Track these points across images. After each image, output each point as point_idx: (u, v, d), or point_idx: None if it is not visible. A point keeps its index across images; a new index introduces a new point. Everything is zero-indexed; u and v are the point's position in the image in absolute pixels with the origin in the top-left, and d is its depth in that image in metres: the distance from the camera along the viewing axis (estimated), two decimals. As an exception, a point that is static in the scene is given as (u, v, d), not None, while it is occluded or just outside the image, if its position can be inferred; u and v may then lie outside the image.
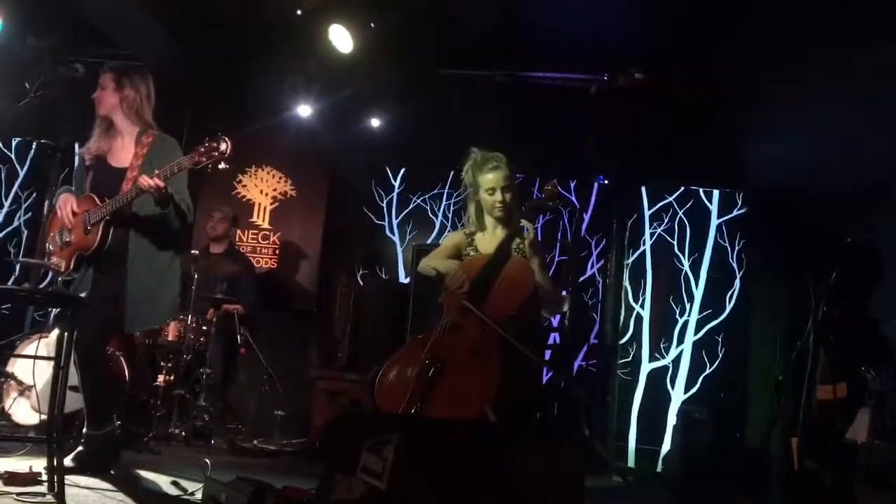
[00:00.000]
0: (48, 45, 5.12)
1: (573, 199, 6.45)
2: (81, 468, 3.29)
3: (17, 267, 6.47)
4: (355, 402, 5.37)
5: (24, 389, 4.62)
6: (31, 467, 3.07)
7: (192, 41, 5.61)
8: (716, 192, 6.42)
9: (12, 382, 4.62)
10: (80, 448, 3.41)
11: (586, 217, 6.49)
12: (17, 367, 4.62)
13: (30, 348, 4.75)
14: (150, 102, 3.69)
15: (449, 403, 2.95)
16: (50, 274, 6.35)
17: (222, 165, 3.30)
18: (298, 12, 4.91)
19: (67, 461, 3.19)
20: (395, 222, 6.85)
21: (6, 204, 6.90)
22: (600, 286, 6.37)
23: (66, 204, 3.51)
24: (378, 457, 2.38)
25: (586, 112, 5.23)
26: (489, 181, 3.43)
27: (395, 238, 6.82)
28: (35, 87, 3.68)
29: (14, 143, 6.98)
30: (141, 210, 3.50)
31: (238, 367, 5.75)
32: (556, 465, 2.63)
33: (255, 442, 5.24)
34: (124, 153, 3.57)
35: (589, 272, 6.41)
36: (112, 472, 3.42)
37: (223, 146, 3.24)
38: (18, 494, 2.79)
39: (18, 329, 5.40)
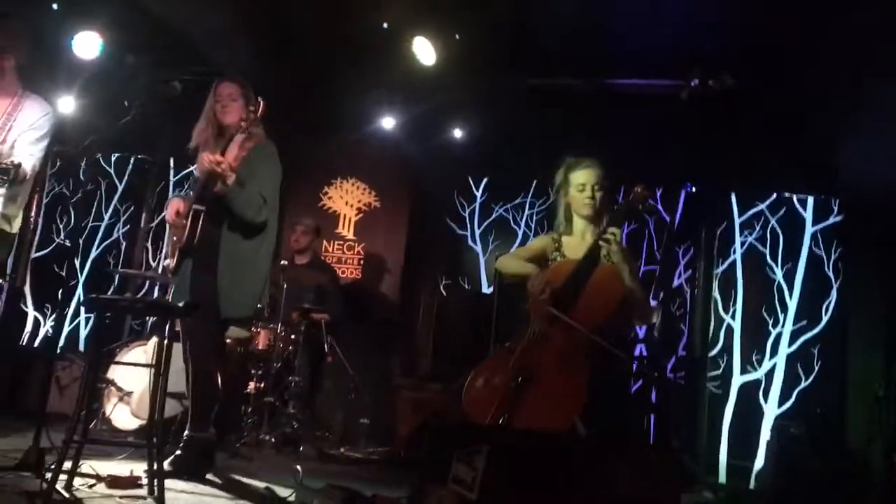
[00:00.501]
0: (146, 63, 5.34)
1: (659, 206, 6.31)
2: (179, 472, 3.39)
3: (117, 277, 6.77)
4: (439, 411, 5.38)
5: (123, 395, 4.81)
6: (132, 471, 3.18)
7: (280, 56, 5.76)
8: (810, 200, 6.19)
9: (112, 389, 4.82)
10: (178, 452, 3.52)
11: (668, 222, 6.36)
12: (117, 373, 4.81)
13: (129, 356, 4.95)
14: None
15: (537, 414, 2.92)
16: (147, 283, 6.67)
17: (256, 127, 3.70)
18: (385, 25, 4.97)
19: (166, 465, 3.29)
20: (477, 232, 6.85)
21: (106, 217, 7.22)
22: (688, 297, 6.21)
23: (173, 206, 3.73)
24: (469, 467, 2.38)
25: (674, 118, 5.12)
26: (581, 177, 3.41)
27: (478, 248, 6.82)
28: (134, 105, 3.83)
29: (113, 159, 7.31)
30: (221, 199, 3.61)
31: (325, 375, 5.84)
32: (650, 477, 2.57)
33: (342, 449, 5.30)
34: (227, 157, 3.68)
35: (676, 282, 6.26)
36: (208, 476, 3.52)
37: (259, 107, 3.62)
38: (121, 497, 2.89)
39: (117, 337, 5.64)
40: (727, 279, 6.21)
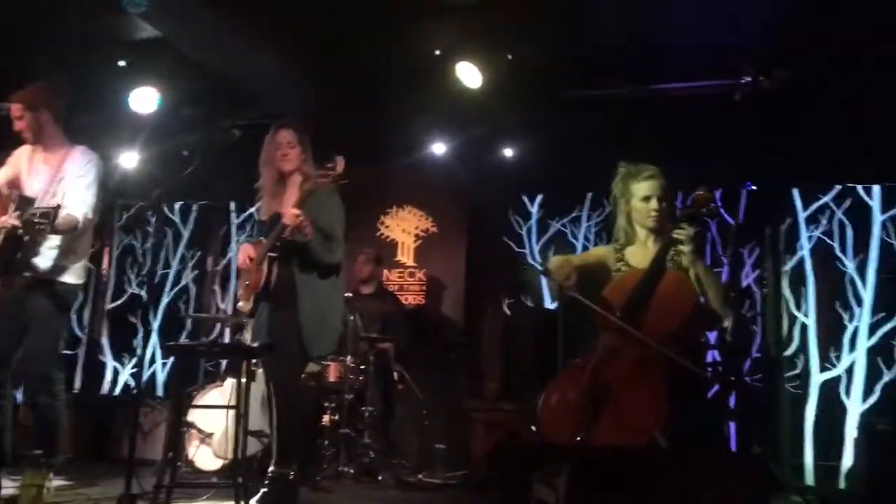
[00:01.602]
0: (202, 113, 5.51)
1: (720, 207, 6.20)
2: None
3: (189, 322, 6.95)
4: (513, 431, 5.36)
5: (204, 437, 4.92)
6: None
7: (330, 87, 5.88)
8: (876, 188, 6.01)
9: (193, 431, 4.93)
10: (263, 490, 3.58)
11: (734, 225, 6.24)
12: (196, 416, 4.93)
13: (206, 398, 5.07)
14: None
15: (616, 430, 2.88)
16: (218, 326, 6.83)
17: (342, 181, 3.72)
18: (437, 52, 5.04)
19: (253, 502, 3.35)
20: (535, 249, 6.84)
21: (174, 264, 7.44)
22: (758, 297, 6.08)
23: (244, 251, 3.85)
24: (551, 488, 2.37)
25: (728, 118, 5.05)
26: (644, 189, 3.36)
27: (538, 264, 6.81)
28: (195, 155, 3.96)
29: (177, 207, 7.53)
30: (299, 247, 3.72)
31: (396, 403, 5.88)
32: (735, 486, 2.52)
33: (420, 476, 5.32)
34: (290, 201, 3.80)
35: (744, 283, 6.13)
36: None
37: (337, 164, 3.60)
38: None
39: (192, 380, 5.78)
40: (797, 276, 6.06)
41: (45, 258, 3.79)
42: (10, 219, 3.63)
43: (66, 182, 3.82)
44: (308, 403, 4.46)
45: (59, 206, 3.59)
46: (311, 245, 3.66)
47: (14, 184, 3.91)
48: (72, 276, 3.88)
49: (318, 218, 3.71)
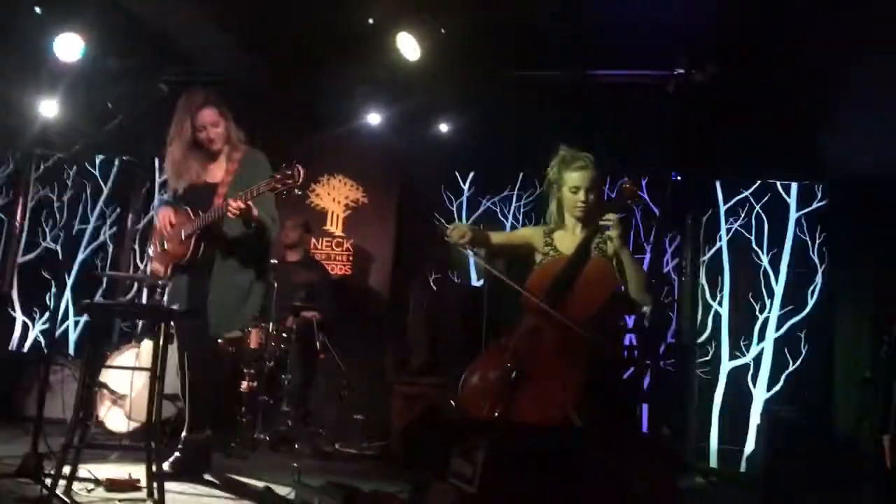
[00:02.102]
0: (129, 66, 5.31)
1: (646, 197, 6.34)
2: (178, 473, 3.41)
3: (105, 280, 6.75)
4: (433, 406, 5.41)
5: (116, 399, 4.81)
6: (129, 474, 3.20)
7: (264, 54, 5.75)
8: (794, 185, 6.25)
9: (105, 392, 4.81)
10: (176, 454, 3.53)
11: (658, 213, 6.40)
12: (110, 377, 4.80)
13: (120, 359, 4.95)
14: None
15: (533, 407, 2.95)
16: (135, 286, 6.65)
17: (297, 191, 3.56)
18: (370, 21, 4.97)
19: (165, 466, 3.30)
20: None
21: (92, 220, 7.19)
22: (676, 285, 6.27)
23: (165, 215, 3.74)
24: (468, 462, 2.41)
25: (656, 108, 5.16)
26: (574, 179, 3.44)
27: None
28: (121, 109, 3.82)
29: (97, 161, 7.27)
30: (229, 230, 3.67)
31: (317, 372, 5.85)
32: (648, 466, 2.61)
33: (337, 446, 5.32)
34: (217, 170, 3.76)
35: (664, 270, 6.31)
36: (206, 477, 3.53)
37: (297, 174, 3.41)
38: (120, 500, 2.91)
39: (108, 341, 5.62)
40: (714, 266, 6.27)
41: None
42: None
43: None
44: (222, 370, 4.40)
45: None
46: (252, 235, 3.65)
47: None
48: None
49: (242, 184, 3.61)
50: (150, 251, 3.96)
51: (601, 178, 3.55)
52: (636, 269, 3.38)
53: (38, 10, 5.22)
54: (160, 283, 3.90)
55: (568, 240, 3.47)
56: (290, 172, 3.41)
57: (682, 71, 4.20)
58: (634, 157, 5.78)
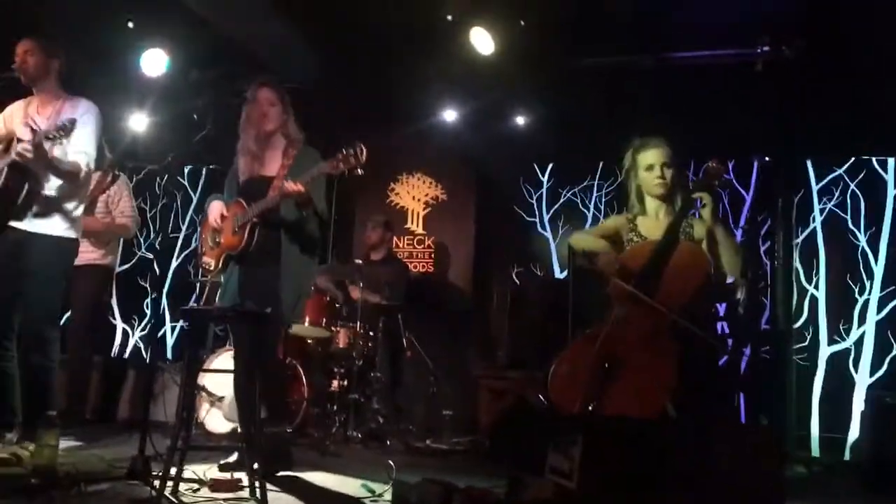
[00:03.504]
0: (212, 76, 5.46)
1: (732, 178, 6.17)
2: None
3: (198, 286, 6.97)
4: (520, 400, 5.39)
5: (214, 401, 4.97)
6: (232, 474, 3.29)
7: (339, 54, 5.83)
8: (891, 161, 5.96)
9: (204, 394, 4.97)
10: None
11: (748, 198, 6.21)
12: (207, 380, 4.96)
13: (216, 362, 5.10)
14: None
15: (627, 400, 2.90)
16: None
17: (359, 171, 3.43)
18: (449, 17, 4.98)
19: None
20: (546, 218, 6.82)
21: (183, 228, 7.45)
22: (768, 269, 6.07)
23: (216, 209, 3.75)
24: (565, 456, 2.39)
25: (742, 88, 4.99)
26: (648, 157, 3.41)
27: (548, 234, 6.79)
28: (207, 119, 3.92)
29: (186, 171, 7.52)
30: (287, 215, 3.66)
31: (404, 369, 5.92)
32: (744, 456, 2.54)
33: (427, 442, 5.37)
34: (273, 163, 3.73)
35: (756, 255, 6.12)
36: (304, 474, 3.59)
37: (359, 153, 3.37)
38: (225, 500, 2.99)
39: (202, 344, 5.80)
40: (808, 249, 6.04)
41: (42, 210, 3.73)
42: (15, 148, 3.55)
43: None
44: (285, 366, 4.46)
45: (74, 120, 3.53)
46: (307, 221, 3.64)
47: (7, 142, 3.81)
48: (69, 231, 3.80)
49: (297, 177, 3.57)
50: (202, 246, 3.89)
51: (679, 156, 3.47)
52: (731, 244, 3.29)
53: (130, 24, 5.42)
54: (209, 277, 3.90)
55: (652, 224, 3.41)
56: (352, 151, 3.37)
57: (767, 48, 4.04)
58: (721, 140, 5.62)
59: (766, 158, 5.86)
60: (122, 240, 5.44)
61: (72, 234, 3.82)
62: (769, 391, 5.73)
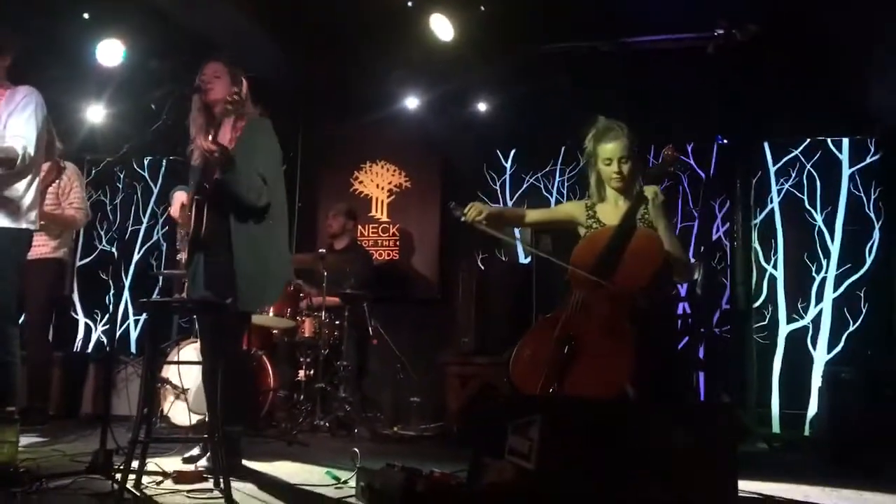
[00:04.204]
0: (169, 67, 5.40)
1: (691, 162, 6.24)
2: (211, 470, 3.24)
3: (160, 279, 6.91)
4: (487, 385, 5.43)
5: (178, 393, 4.94)
6: (196, 466, 3.28)
7: (299, 43, 5.79)
8: (845, 141, 6.08)
9: (168, 387, 4.94)
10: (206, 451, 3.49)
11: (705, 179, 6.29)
12: (172, 372, 4.93)
13: (181, 354, 5.07)
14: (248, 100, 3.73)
15: (586, 382, 2.94)
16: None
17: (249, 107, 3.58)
18: (409, 4, 4.96)
19: (202, 462, 3.35)
20: (509, 203, 6.84)
21: (145, 220, 7.36)
22: (728, 249, 6.16)
23: (177, 200, 3.62)
24: (524, 438, 2.42)
25: (699, 72, 5.07)
26: (606, 151, 3.43)
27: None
28: (165, 110, 3.85)
29: (146, 163, 7.43)
30: (230, 184, 3.45)
31: (370, 357, 5.93)
32: (703, 433, 2.59)
33: (395, 429, 5.39)
34: (223, 139, 3.56)
35: (715, 236, 6.21)
36: (274, 463, 3.59)
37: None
38: (188, 492, 2.98)
39: (166, 337, 5.76)
40: (766, 229, 6.14)
41: None
42: None
43: (3, 119, 3.55)
44: (249, 361, 4.31)
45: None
46: (227, 180, 3.40)
47: None
48: (17, 221, 3.60)
49: (247, 153, 3.46)
50: (178, 244, 3.73)
51: (638, 145, 3.51)
52: (673, 247, 3.32)
53: (86, 15, 5.32)
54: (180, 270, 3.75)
55: (611, 212, 3.46)
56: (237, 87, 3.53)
57: (721, 31, 4.10)
58: (678, 124, 5.69)
59: (724, 141, 5.95)
60: (74, 232, 5.34)
61: (20, 224, 3.62)
62: (730, 370, 5.85)
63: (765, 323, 6.04)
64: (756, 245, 6.12)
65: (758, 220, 6.15)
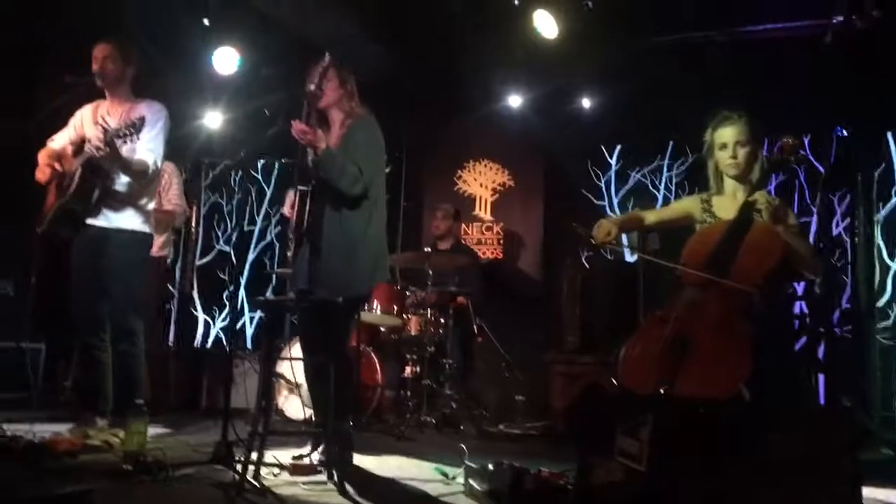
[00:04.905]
0: (282, 72, 5.59)
1: (809, 155, 5.97)
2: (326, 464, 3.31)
3: (274, 277, 7.18)
4: (593, 384, 5.37)
5: (292, 387, 5.11)
6: (311, 458, 3.39)
7: (404, 49, 5.89)
8: (976, 129, 5.70)
9: (282, 382, 5.13)
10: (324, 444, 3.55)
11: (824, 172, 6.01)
12: (285, 367, 5.11)
13: (293, 350, 5.24)
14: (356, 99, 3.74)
15: (700, 382, 2.85)
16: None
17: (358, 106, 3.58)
18: (516, 2, 4.97)
19: (315, 456, 3.43)
20: (615, 200, 6.75)
21: (259, 221, 7.66)
22: (849, 246, 5.87)
23: (290, 199, 3.60)
24: (634, 439, 2.39)
25: (817, 61, 4.85)
26: (723, 136, 3.32)
27: (617, 217, 6.71)
28: (279, 114, 4.00)
29: (259, 166, 7.72)
30: (324, 173, 3.43)
31: (475, 355, 5.97)
32: (820, 438, 2.49)
33: (501, 426, 5.40)
34: (331, 139, 3.57)
35: (835, 232, 5.93)
36: (382, 457, 3.66)
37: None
38: (304, 483, 3.09)
39: (282, 333, 5.98)
40: (890, 224, 5.82)
41: (117, 206, 3.91)
42: (91, 144, 3.69)
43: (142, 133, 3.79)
44: (357, 357, 4.35)
45: (143, 118, 3.65)
46: (321, 162, 3.36)
47: (78, 145, 3.99)
48: (143, 225, 3.98)
49: (343, 149, 3.45)
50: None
51: (757, 133, 3.38)
52: (798, 245, 3.17)
53: (206, 21, 5.57)
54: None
55: (728, 204, 3.33)
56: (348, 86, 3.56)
57: (840, 18, 3.91)
58: (795, 115, 5.46)
59: (844, 132, 5.67)
60: (172, 231, 5.59)
61: (146, 228, 4.00)
62: (852, 372, 5.57)
63: (889, 323, 5.72)
64: (879, 241, 5.81)
65: (881, 215, 5.83)
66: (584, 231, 3.38)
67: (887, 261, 5.79)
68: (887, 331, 5.72)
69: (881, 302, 5.77)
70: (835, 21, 4.11)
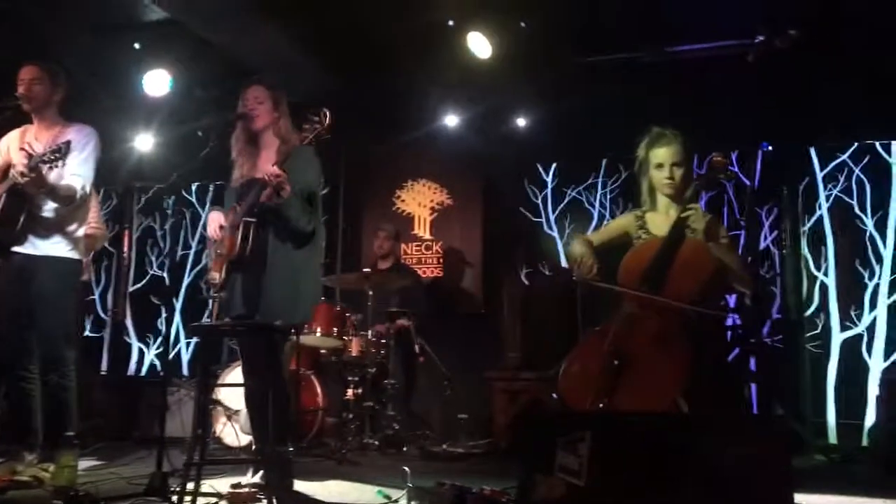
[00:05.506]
0: (214, 94, 5.52)
1: (737, 170, 6.15)
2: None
3: (210, 302, 7.03)
4: (535, 400, 5.41)
5: (230, 414, 5.01)
6: (249, 487, 3.32)
7: (339, 69, 5.88)
8: (894, 144, 5.94)
9: (220, 409, 5.02)
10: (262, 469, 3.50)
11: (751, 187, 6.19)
12: (223, 394, 5.01)
13: (230, 376, 5.15)
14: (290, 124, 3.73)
15: (638, 396, 2.91)
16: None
17: (326, 136, 3.46)
18: (450, 23, 5.01)
19: (256, 478, 3.37)
20: (552, 217, 6.83)
21: (193, 245, 7.51)
22: (777, 258, 6.06)
23: (213, 220, 3.63)
24: (574, 455, 2.40)
25: (741, 80, 5.01)
26: (658, 156, 3.39)
27: (555, 233, 6.80)
28: (211, 137, 3.93)
29: (194, 188, 7.59)
30: (283, 208, 3.46)
31: (418, 375, 5.95)
32: (759, 449, 2.54)
33: (444, 446, 5.39)
34: (267, 164, 3.54)
35: (763, 245, 6.11)
36: (324, 482, 3.62)
37: (323, 118, 3.40)
38: (243, 511, 3.03)
39: (217, 359, 5.86)
40: (816, 236, 6.02)
41: (44, 233, 3.77)
42: (15, 170, 3.52)
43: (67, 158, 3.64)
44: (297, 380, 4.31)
45: (69, 142, 3.52)
46: (287, 206, 3.40)
47: (3, 171, 3.81)
48: (72, 252, 3.83)
49: (296, 181, 3.43)
50: (208, 262, 3.77)
51: (690, 153, 3.47)
52: (731, 260, 3.26)
53: (136, 45, 5.48)
54: (213, 293, 3.80)
55: (661, 221, 3.40)
56: (316, 118, 3.38)
57: (762, 38, 4.06)
58: (722, 132, 5.62)
59: (770, 147, 5.86)
60: (92, 255, 5.44)
61: (75, 254, 3.85)
62: (783, 381, 5.72)
63: (817, 332, 5.91)
64: (806, 253, 6.00)
65: (806, 227, 6.03)
66: (577, 276, 3.37)
67: (814, 271, 5.98)
68: (816, 339, 5.89)
69: (809, 311, 5.94)
70: (757, 41, 4.26)
